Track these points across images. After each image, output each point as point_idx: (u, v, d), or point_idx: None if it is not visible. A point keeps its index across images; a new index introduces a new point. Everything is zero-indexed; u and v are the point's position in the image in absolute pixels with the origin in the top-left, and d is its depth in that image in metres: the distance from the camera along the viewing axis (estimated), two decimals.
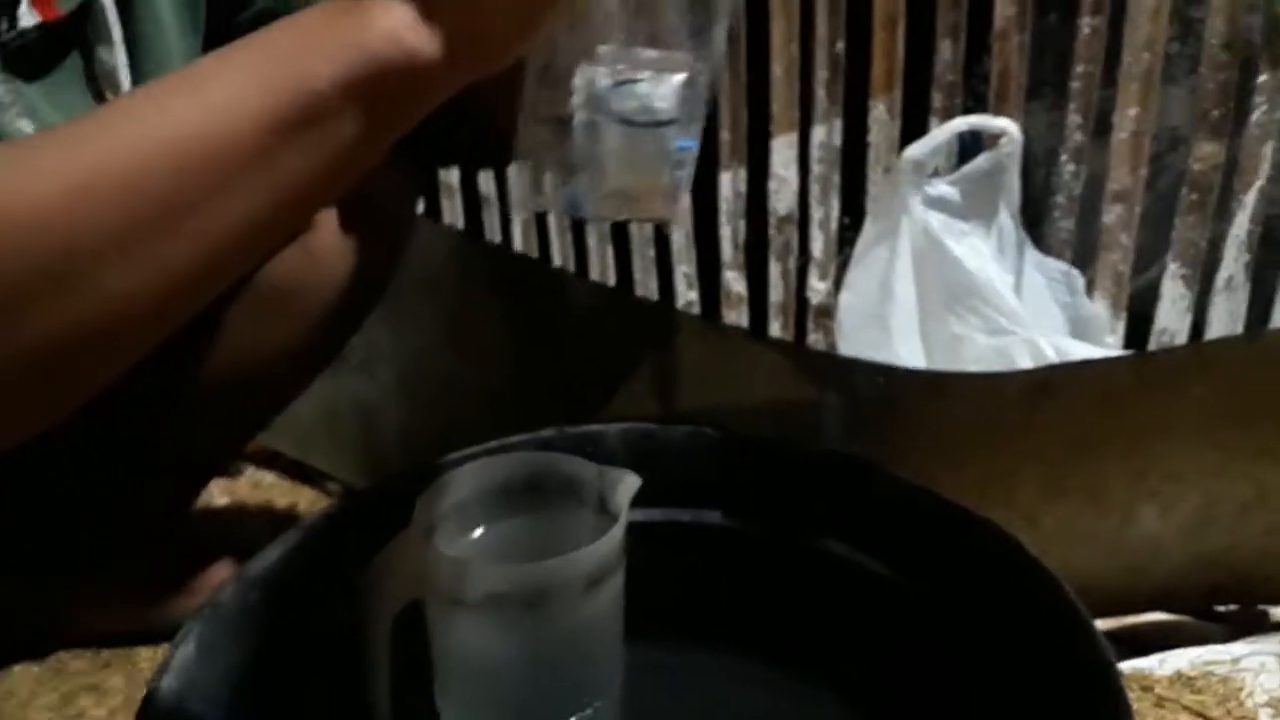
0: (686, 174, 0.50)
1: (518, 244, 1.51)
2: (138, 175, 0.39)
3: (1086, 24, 1.14)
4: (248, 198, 0.41)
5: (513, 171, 0.48)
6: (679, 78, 0.49)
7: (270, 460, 1.22)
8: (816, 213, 1.32)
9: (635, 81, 0.48)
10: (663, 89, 0.48)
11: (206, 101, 0.41)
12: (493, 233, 1.51)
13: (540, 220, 1.50)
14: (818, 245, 1.33)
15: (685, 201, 0.50)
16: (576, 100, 0.49)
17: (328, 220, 0.72)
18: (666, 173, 0.49)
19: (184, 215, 0.40)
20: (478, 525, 0.58)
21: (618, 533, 0.54)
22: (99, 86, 0.61)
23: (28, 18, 0.56)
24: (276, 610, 0.56)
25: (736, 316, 1.39)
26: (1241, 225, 1.17)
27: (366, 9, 0.41)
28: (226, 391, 0.71)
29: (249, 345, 0.70)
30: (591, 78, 0.48)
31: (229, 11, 0.67)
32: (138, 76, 0.62)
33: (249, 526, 1.15)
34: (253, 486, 1.22)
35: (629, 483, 0.56)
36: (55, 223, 0.38)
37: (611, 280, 1.45)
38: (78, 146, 0.40)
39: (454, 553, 0.55)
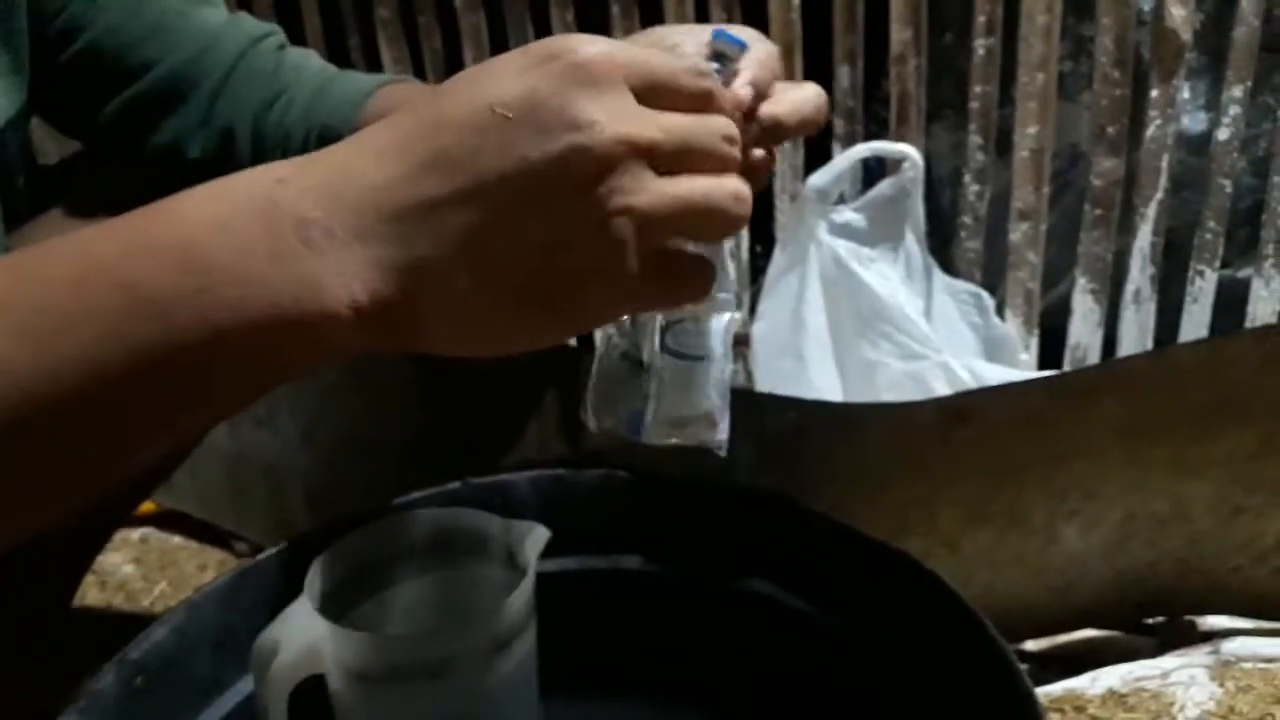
0: (727, 402, 0.54)
1: None
2: None
3: (981, 45, 1.15)
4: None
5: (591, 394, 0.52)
6: (725, 317, 0.53)
7: (176, 522, 1.18)
8: (727, 242, 1.31)
9: (683, 320, 0.52)
10: (710, 327, 0.52)
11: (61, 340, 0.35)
12: None
13: None
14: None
15: (725, 427, 0.54)
16: (641, 340, 0.53)
17: None
18: (713, 401, 0.53)
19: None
20: (380, 588, 0.55)
21: (526, 588, 0.51)
22: None
23: None
24: (165, 694, 0.52)
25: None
26: (1145, 238, 1.19)
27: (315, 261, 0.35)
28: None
29: None
30: (649, 318, 0.53)
31: (53, 50, 0.64)
32: None
33: (154, 594, 1.10)
34: (160, 551, 1.17)
35: (537, 535, 0.53)
36: None
37: None
38: None
39: (353, 621, 0.52)
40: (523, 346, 0.39)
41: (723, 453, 0.54)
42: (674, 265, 0.40)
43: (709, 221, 0.39)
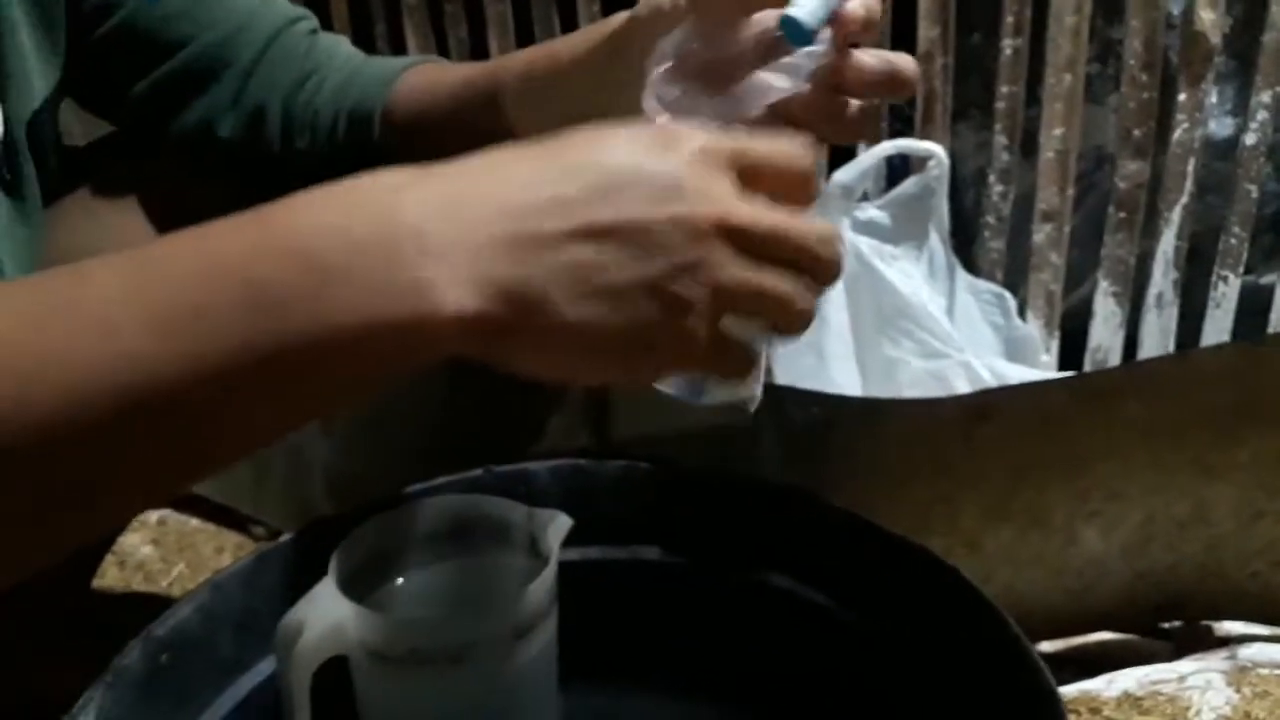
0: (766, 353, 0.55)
1: None
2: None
3: (1009, 45, 1.15)
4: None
5: None
6: None
7: (194, 504, 1.18)
8: None
9: None
10: None
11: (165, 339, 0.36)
12: None
13: None
14: None
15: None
16: None
17: None
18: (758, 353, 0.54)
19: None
20: (402, 573, 0.55)
21: (548, 577, 0.52)
22: None
23: None
24: (188, 672, 0.53)
25: None
26: (1169, 242, 1.19)
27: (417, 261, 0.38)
28: None
29: None
30: None
31: (88, 26, 0.65)
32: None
33: (171, 575, 1.11)
34: (178, 533, 1.18)
35: (560, 524, 0.54)
36: None
37: None
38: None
39: (376, 605, 0.52)
40: (589, 382, 0.45)
41: (753, 408, 0.54)
42: (730, 347, 0.44)
43: (776, 309, 0.42)
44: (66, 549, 0.39)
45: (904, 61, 0.51)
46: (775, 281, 0.42)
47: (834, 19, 0.49)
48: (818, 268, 0.43)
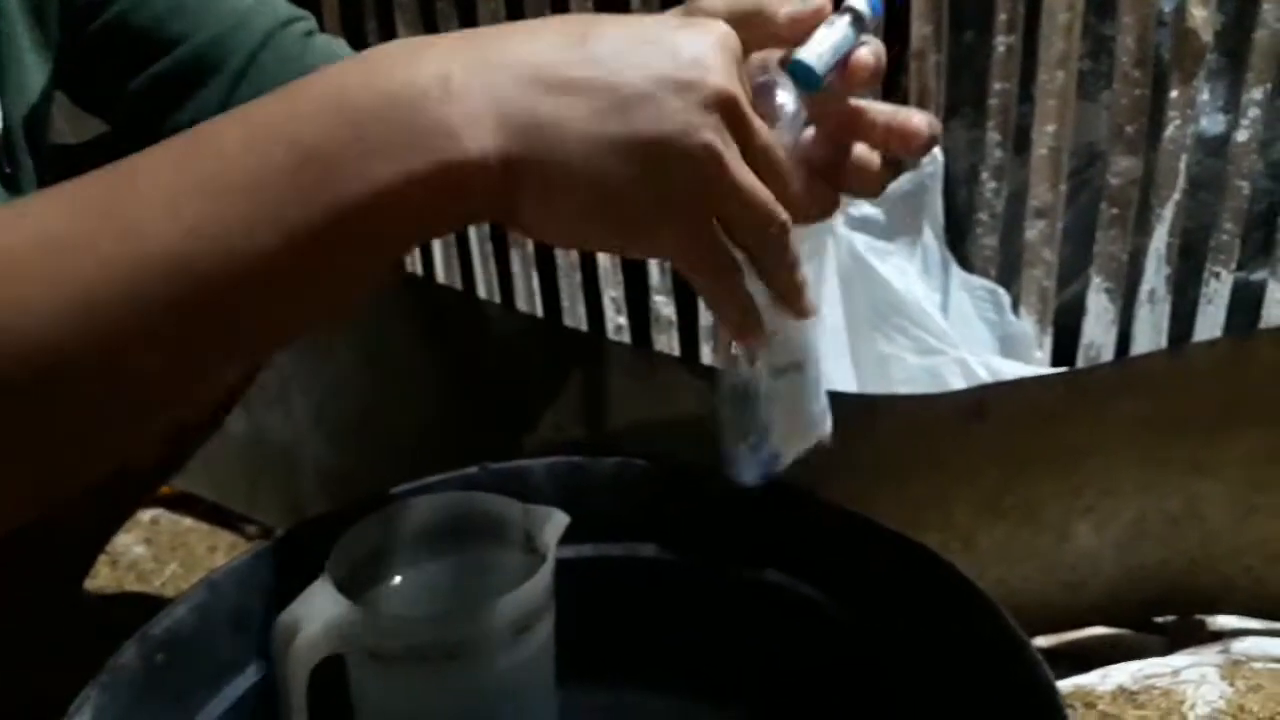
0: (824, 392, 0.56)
1: (440, 274, 1.48)
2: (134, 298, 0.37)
3: (1001, 42, 1.15)
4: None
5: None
6: (804, 323, 0.53)
7: (187, 504, 1.18)
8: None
9: (773, 333, 0.51)
10: (798, 334, 0.53)
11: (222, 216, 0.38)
12: (413, 264, 1.47)
13: (463, 250, 1.47)
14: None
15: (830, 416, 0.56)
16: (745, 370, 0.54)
17: None
18: (821, 401, 0.56)
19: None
20: (397, 571, 0.55)
21: (545, 574, 0.52)
22: None
23: None
24: (184, 672, 0.52)
25: (667, 340, 1.38)
26: (1161, 238, 1.19)
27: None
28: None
29: None
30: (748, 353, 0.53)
31: (81, 21, 0.65)
32: None
33: (165, 575, 1.11)
34: (171, 532, 1.18)
35: (556, 521, 0.54)
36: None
37: (539, 308, 1.43)
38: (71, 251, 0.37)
39: (372, 602, 0.52)
40: (591, 243, 0.45)
41: (828, 443, 0.55)
42: (724, 246, 0.44)
43: (757, 218, 0.43)
44: (140, 436, 0.41)
45: (918, 118, 0.51)
46: (763, 188, 0.43)
47: (842, 65, 0.48)
48: (786, 198, 0.44)
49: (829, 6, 0.49)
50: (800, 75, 0.47)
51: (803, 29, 0.48)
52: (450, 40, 0.42)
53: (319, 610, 0.48)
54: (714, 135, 0.41)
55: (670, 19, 0.45)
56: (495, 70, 0.40)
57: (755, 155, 0.43)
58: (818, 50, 0.48)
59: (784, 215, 0.44)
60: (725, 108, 0.41)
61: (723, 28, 0.43)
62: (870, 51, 0.49)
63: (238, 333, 0.40)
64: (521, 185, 0.40)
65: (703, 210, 0.43)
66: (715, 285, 0.46)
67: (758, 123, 0.43)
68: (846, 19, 0.48)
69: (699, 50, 0.41)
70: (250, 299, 0.39)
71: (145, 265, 0.37)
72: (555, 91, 0.40)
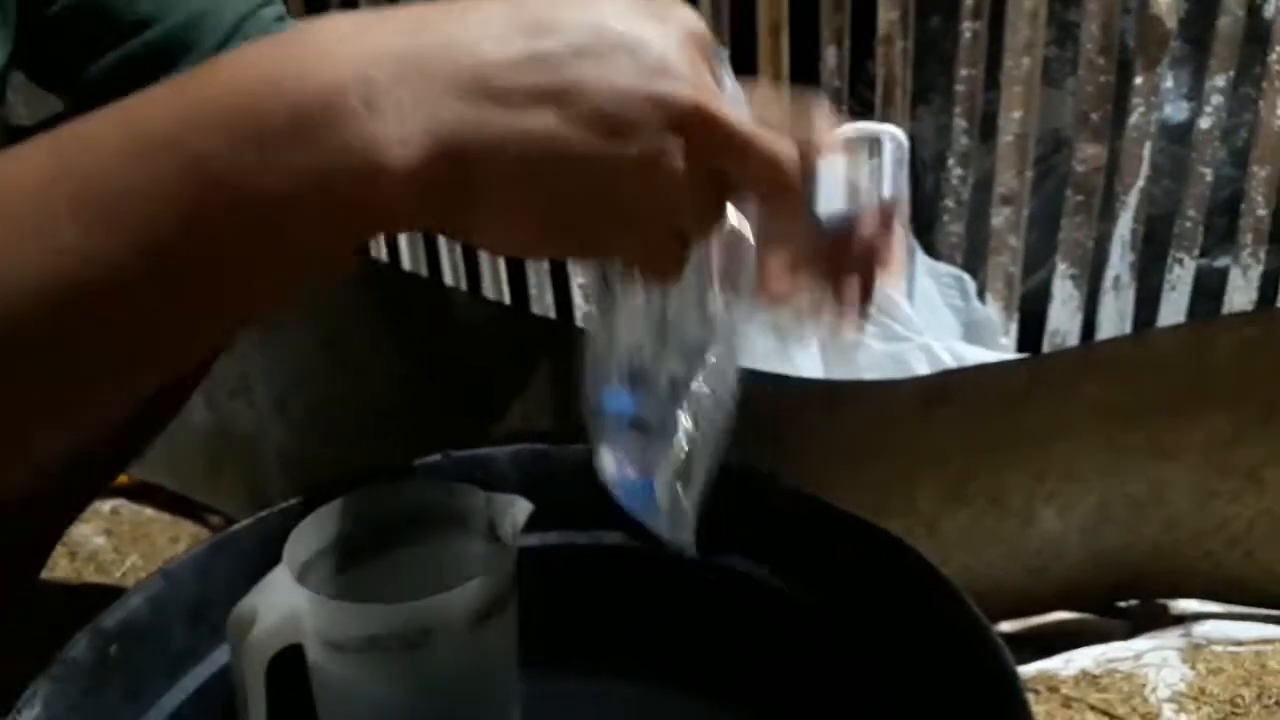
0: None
1: (405, 261, 1.47)
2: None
3: (968, 28, 1.15)
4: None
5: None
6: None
7: (148, 494, 1.17)
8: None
9: None
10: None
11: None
12: (378, 249, 1.46)
13: (429, 235, 1.46)
14: (715, 255, 1.32)
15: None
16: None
17: None
18: None
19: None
20: (358, 560, 0.54)
21: (507, 562, 0.51)
22: None
23: None
24: (138, 664, 0.52)
25: None
26: (1125, 225, 1.20)
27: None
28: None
29: None
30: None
31: (42, 1, 0.63)
32: None
33: (125, 566, 1.09)
34: (132, 523, 1.16)
35: (519, 508, 0.53)
36: None
37: (506, 295, 1.42)
38: None
39: (331, 592, 0.51)
40: (542, 256, 0.41)
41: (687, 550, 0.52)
42: (676, 248, 0.42)
43: (706, 221, 0.41)
44: (38, 462, 0.37)
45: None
46: (721, 199, 0.41)
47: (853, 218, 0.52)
48: (774, 186, 0.41)
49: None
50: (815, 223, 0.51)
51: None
52: (381, 27, 0.36)
53: (275, 601, 0.47)
54: (679, 159, 0.37)
55: (634, 4, 0.40)
56: (428, 76, 0.35)
57: (732, 150, 0.40)
58: (833, 201, 0.51)
59: (785, 155, 0.41)
60: (694, 120, 0.37)
61: (692, 18, 0.39)
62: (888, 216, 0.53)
63: (125, 353, 0.36)
64: (461, 206, 0.36)
65: (662, 226, 0.40)
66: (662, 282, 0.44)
67: (730, 116, 0.39)
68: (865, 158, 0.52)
69: (666, 53, 0.37)
70: (129, 318, 0.35)
71: (19, 286, 0.33)
72: (498, 102, 0.35)
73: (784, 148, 0.41)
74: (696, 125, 0.37)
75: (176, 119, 0.34)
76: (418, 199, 0.35)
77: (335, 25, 0.36)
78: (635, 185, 0.37)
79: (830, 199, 0.51)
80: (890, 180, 0.53)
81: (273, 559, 0.50)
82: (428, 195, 0.35)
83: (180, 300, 0.35)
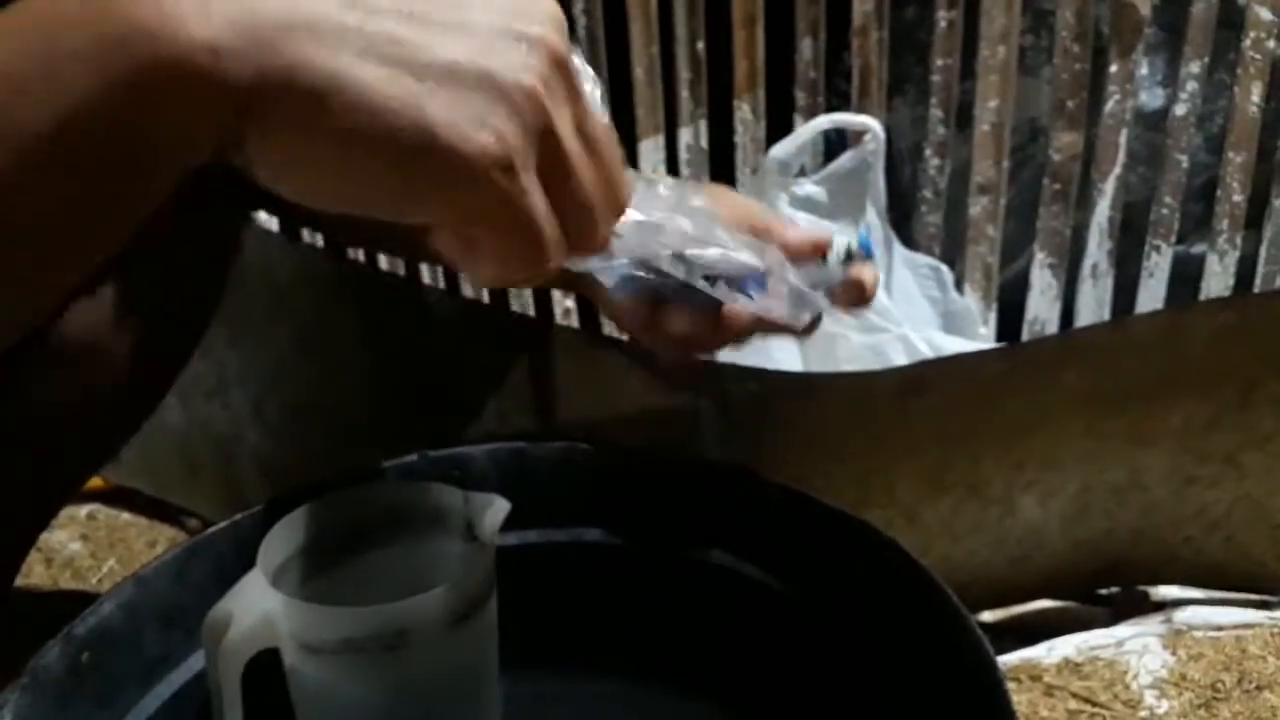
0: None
1: (382, 259, 1.45)
2: None
3: (943, 18, 1.15)
4: None
5: None
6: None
7: (125, 498, 1.15)
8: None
9: None
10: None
11: None
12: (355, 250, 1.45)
13: None
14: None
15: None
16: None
17: (130, 267, 0.63)
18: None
19: None
20: (334, 562, 0.54)
21: (485, 562, 0.51)
22: None
23: None
24: (112, 671, 0.51)
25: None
26: (1103, 213, 1.20)
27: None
28: (21, 458, 0.62)
29: (42, 407, 0.62)
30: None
31: None
32: None
33: (102, 572, 1.08)
34: (108, 528, 1.15)
35: (498, 507, 0.53)
36: None
37: (484, 293, 1.41)
38: None
39: (306, 595, 0.51)
40: (353, 207, 0.36)
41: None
42: (543, 222, 0.38)
43: (581, 213, 0.39)
44: None
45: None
46: (590, 171, 0.38)
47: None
48: (605, 194, 0.39)
49: (829, 240, 0.56)
50: None
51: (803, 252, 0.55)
52: None
53: (250, 604, 0.47)
54: (539, 83, 0.35)
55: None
56: None
57: (587, 130, 0.38)
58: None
59: (587, 222, 0.39)
60: (557, 65, 0.36)
61: (556, 17, 0.37)
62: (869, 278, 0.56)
63: None
64: (269, 114, 0.33)
65: (518, 163, 0.36)
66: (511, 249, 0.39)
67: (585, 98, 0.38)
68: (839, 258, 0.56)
69: (534, 6, 0.36)
70: None
71: None
72: (349, 6, 0.33)
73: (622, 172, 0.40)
74: (557, 67, 0.36)
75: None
76: (215, 93, 0.32)
77: None
78: (499, 102, 0.34)
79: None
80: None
81: (248, 563, 0.49)
82: (224, 87, 0.32)
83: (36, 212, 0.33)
